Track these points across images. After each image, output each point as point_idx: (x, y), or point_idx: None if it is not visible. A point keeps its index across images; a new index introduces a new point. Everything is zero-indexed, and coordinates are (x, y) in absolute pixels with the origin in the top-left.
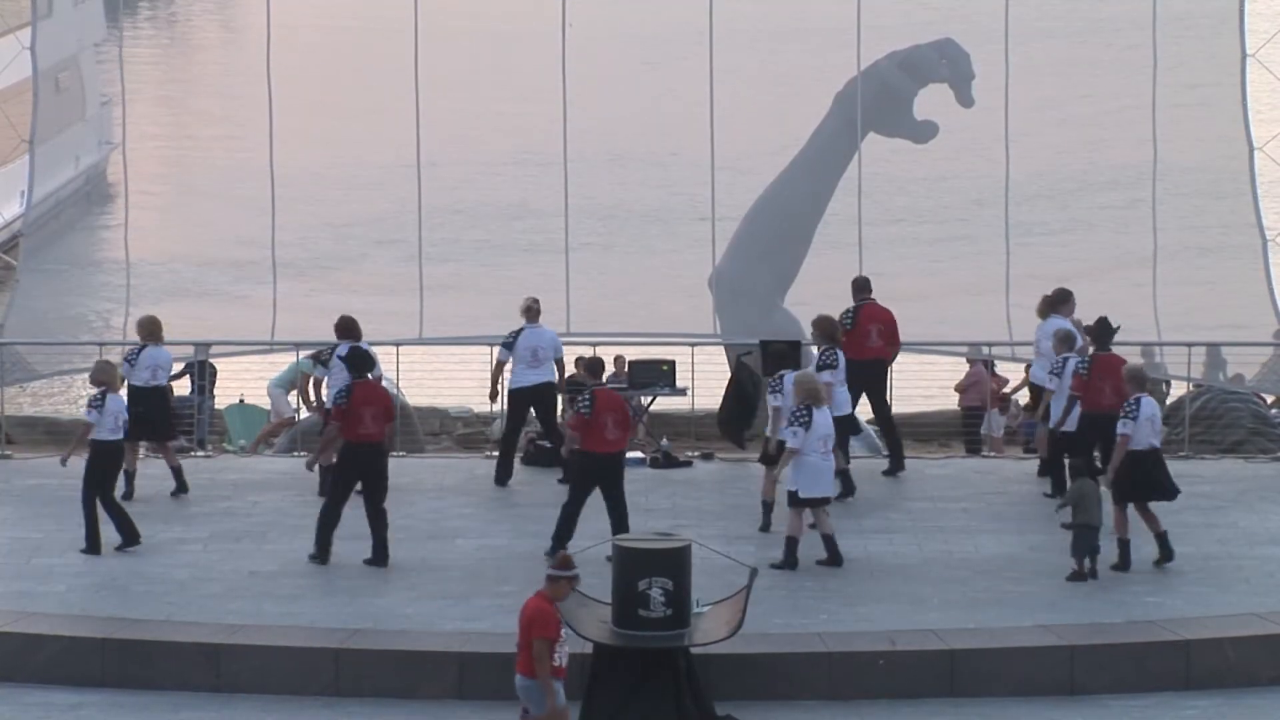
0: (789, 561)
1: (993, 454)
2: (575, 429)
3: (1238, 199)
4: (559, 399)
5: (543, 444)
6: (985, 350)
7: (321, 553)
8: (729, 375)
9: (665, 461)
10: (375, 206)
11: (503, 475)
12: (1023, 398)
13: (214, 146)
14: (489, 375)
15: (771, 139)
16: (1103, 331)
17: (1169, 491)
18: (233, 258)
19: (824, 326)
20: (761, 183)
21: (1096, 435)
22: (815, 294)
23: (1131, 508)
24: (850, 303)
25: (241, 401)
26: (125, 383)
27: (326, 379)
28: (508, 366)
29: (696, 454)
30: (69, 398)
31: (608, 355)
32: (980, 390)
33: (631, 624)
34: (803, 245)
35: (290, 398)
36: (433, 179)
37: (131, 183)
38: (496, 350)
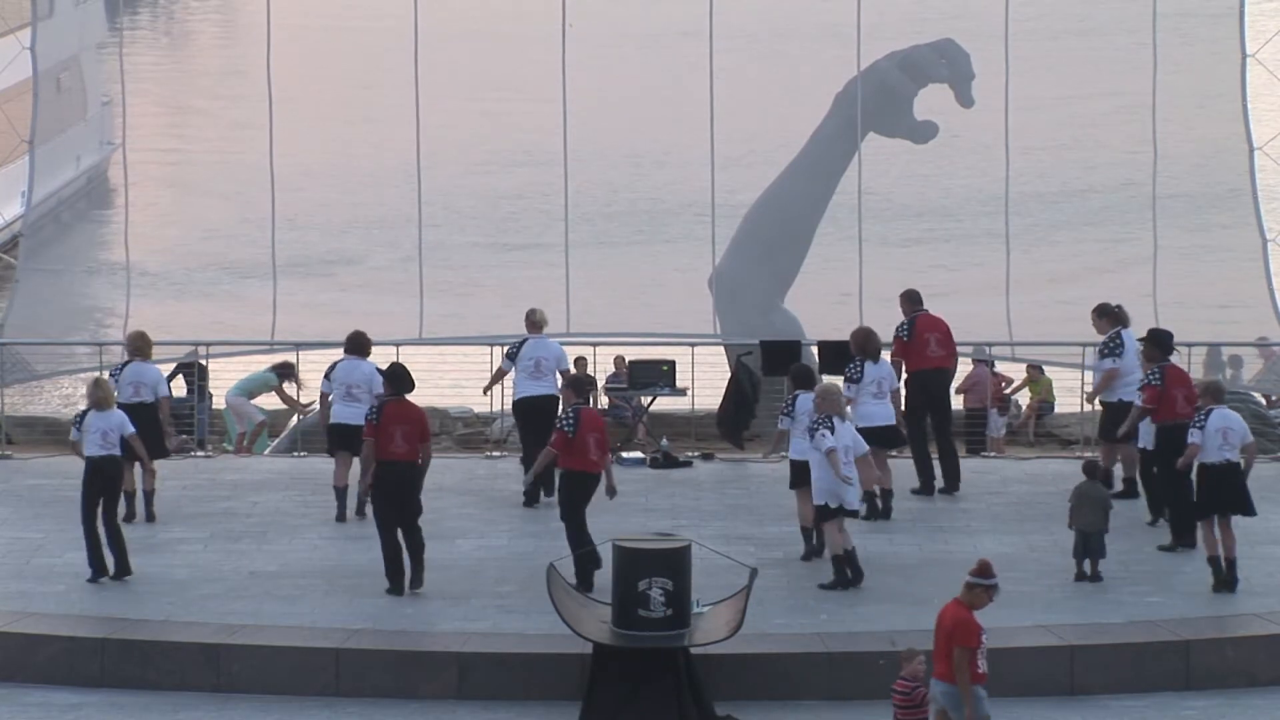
0: (840, 580)
1: (993, 454)
2: (557, 447)
3: (1238, 199)
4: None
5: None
6: (986, 350)
7: (394, 583)
8: (729, 375)
9: (665, 461)
10: (375, 206)
11: (531, 496)
12: (1023, 398)
13: (214, 146)
14: (489, 376)
15: (771, 139)
16: (1164, 340)
17: (1242, 506)
18: (233, 258)
19: (855, 339)
20: (761, 182)
21: (1171, 447)
22: (815, 294)
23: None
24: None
25: None
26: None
27: (332, 395)
28: (509, 377)
29: (696, 454)
30: (68, 397)
31: (608, 355)
32: (981, 391)
33: (631, 624)
34: (802, 245)
35: (257, 402)
36: (432, 179)
37: (132, 183)
38: (500, 360)
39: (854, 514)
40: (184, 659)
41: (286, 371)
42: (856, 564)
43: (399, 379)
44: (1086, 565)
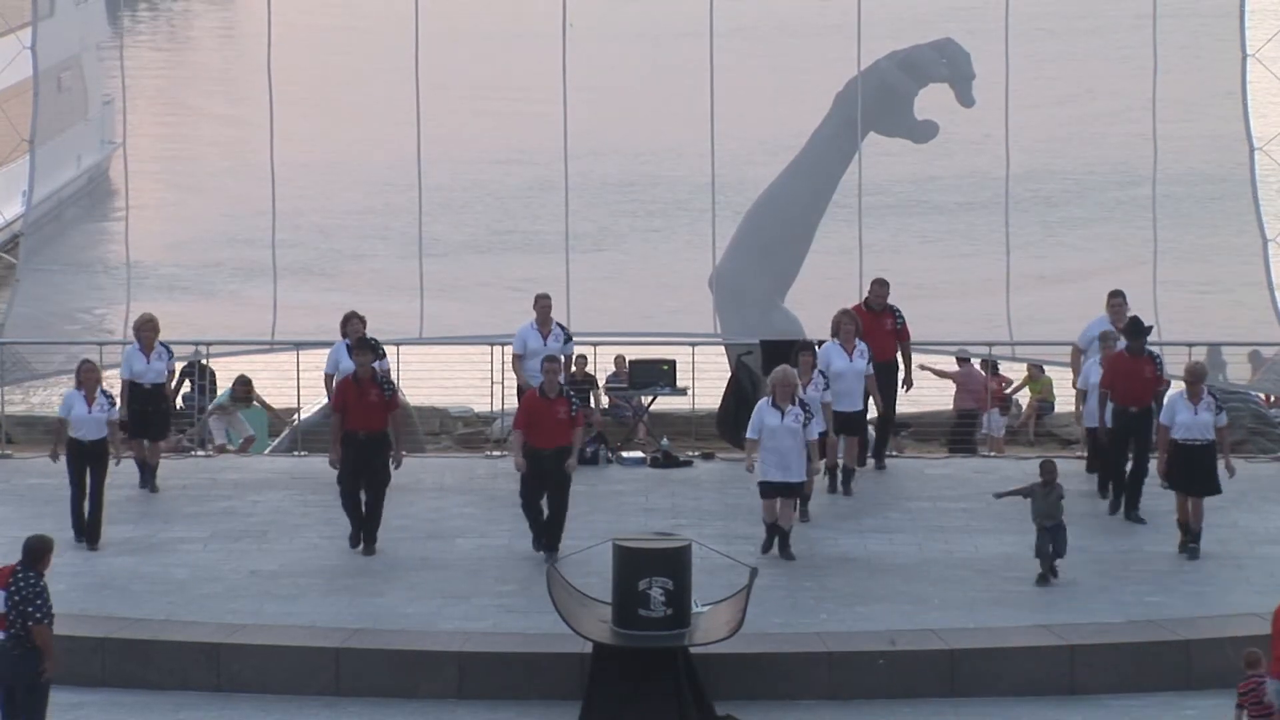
0: (769, 544)
1: (993, 454)
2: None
3: (1238, 199)
4: None
5: None
6: (987, 350)
7: (356, 532)
8: (729, 375)
9: (665, 461)
10: (375, 206)
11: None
12: (1023, 398)
13: (215, 146)
14: (489, 376)
15: (772, 138)
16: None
17: (1211, 486)
18: (233, 258)
19: (833, 325)
20: (762, 182)
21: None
22: (816, 294)
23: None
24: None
25: None
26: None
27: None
28: (522, 362)
29: (696, 454)
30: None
31: (608, 355)
32: (978, 391)
33: (631, 624)
34: (803, 245)
35: (215, 420)
36: (433, 178)
37: (132, 182)
38: (568, 347)
39: (798, 486)
40: (184, 659)
41: (242, 393)
42: (786, 542)
43: (371, 349)
44: (1057, 564)
